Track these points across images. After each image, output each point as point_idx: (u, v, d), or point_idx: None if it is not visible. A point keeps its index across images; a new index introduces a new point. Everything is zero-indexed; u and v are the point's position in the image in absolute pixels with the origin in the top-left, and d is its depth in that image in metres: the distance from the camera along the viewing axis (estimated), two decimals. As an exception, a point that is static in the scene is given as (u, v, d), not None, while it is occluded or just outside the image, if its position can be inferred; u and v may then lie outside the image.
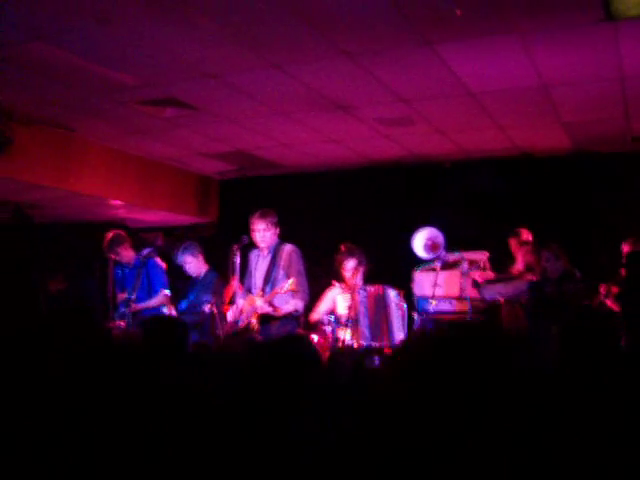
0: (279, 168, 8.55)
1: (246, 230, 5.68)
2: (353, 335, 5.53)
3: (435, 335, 1.05)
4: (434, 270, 6.22)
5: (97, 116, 6.44)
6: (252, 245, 5.76)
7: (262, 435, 1.56)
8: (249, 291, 5.72)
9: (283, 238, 5.77)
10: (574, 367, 2.44)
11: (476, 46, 4.64)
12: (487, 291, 6.16)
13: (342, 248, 5.96)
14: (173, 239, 8.95)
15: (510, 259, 6.46)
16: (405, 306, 5.82)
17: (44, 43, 4.64)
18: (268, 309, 5.45)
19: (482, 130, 6.70)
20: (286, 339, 2.67)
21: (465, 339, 1.01)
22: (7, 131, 6.23)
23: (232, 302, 5.75)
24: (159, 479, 1.53)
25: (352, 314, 5.56)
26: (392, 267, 6.81)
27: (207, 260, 6.49)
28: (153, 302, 6.27)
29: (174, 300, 6.51)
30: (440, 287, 6.20)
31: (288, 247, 5.68)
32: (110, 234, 6.45)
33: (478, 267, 6.32)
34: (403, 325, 5.76)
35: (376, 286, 5.82)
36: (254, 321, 5.45)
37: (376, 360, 5.31)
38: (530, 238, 6.50)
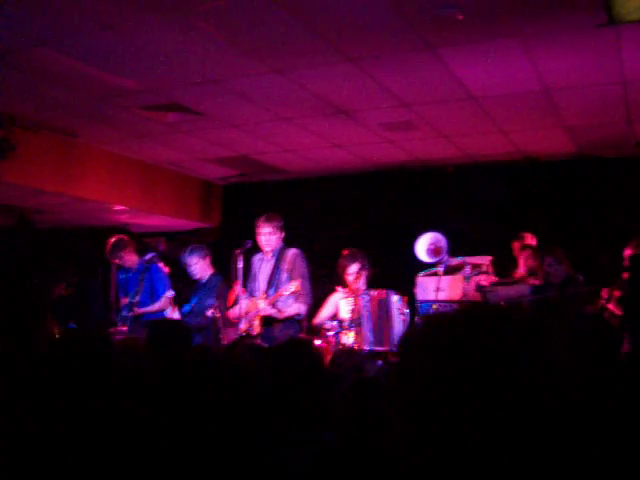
0: (282, 173, 8.56)
1: (249, 235, 5.68)
2: (356, 339, 5.53)
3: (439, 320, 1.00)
4: (437, 274, 6.22)
5: (100, 121, 6.45)
6: (255, 249, 5.76)
7: (257, 443, 1.55)
8: (252, 295, 5.72)
9: (286, 243, 5.79)
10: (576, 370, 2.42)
11: (478, 50, 4.64)
12: (490, 295, 6.15)
13: (345, 252, 5.95)
14: (176, 244, 8.96)
15: (513, 263, 6.45)
16: (407, 311, 5.81)
17: (47, 49, 4.66)
18: (271, 311, 5.46)
19: (485, 134, 6.70)
20: (289, 344, 2.66)
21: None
22: (10, 137, 6.25)
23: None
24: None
25: (355, 318, 5.56)
26: (395, 272, 6.80)
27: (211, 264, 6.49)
28: (156, 306, 6.28)
29: (177, 304, 6.51)
30: (443, 291, 6.20)
31: (292, 251, 5.70)
32: (113, 239, 6.46)
33: (481, 271, 6.31)
34: (405, 330, 5.75)
35: (379, 290, 5.81)
36: (256, 323, 5.45)
37: (379, 363, 5.29)
38: (534, 242, 6.49)
